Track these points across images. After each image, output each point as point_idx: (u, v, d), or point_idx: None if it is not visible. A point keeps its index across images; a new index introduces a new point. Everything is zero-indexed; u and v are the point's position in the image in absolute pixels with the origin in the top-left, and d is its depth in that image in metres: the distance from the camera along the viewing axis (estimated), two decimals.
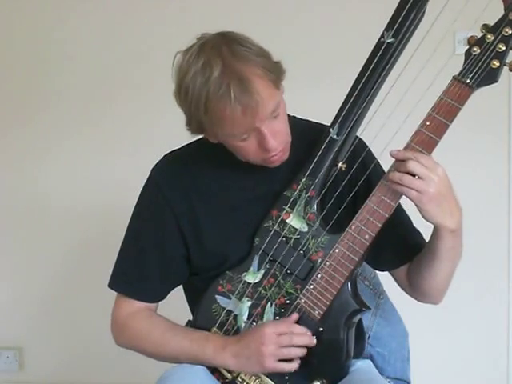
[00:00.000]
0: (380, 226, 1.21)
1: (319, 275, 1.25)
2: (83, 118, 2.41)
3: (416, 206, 1.16)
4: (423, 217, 1.18)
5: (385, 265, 1.38)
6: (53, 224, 2.44)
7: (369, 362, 1.43)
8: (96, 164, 2.41)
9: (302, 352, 1.25)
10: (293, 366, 1.24)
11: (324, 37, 2.23)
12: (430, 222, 1.18)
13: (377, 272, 1.50)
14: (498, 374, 2.32)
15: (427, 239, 1.28)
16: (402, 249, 1.34)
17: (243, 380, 1.28)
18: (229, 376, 1.29)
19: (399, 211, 1.33)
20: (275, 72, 1.19)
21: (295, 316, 1.26)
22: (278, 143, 1.22)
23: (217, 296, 1.32)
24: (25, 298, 2.48)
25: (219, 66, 1.14)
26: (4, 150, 2.46)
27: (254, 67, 1.16)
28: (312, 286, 1.26)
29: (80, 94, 2.40)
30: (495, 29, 1.16)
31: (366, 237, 1.22)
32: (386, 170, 1.23)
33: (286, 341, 1.23)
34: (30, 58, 2.41)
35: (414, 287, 1.34)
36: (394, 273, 1.37)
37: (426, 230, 1.28)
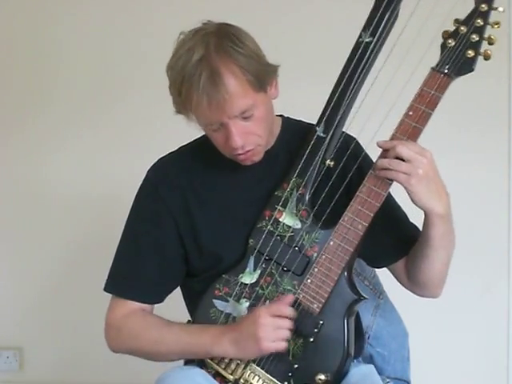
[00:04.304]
0: (372, 215, 1.23)
1: (316, 269, 1.26)
2: (84, 118, 2.40)
3: (405, 188, 1.19)
4: (413, 201, 1.20)
5: (383, 260, 1.39)
6: (53, 223, 2.43)
7: (371, 366, 1.41)
8: (97, 163, 2.40)
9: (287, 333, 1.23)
10: (285, 345, 1.23)
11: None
12: (420, 206, 1.21)
13: (377, 272, 1.51)
14: (498, 374, 2.31)
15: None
16: (398, 243, 1.36)
17: (246, 381, 1.27)
18: (231, 378, 1.28)
19: (393, 206, 1.36)
20: (258, 74, 1.21)
21: (291, 297, 1.26)
22: (245, 143, 1.24)
23: (214, 300, 1.32)
24: (25, 297, 2.46)
25: (199, 54, 1.19)
26: (5, 149, 2.45)
27: (232, 64, 1.19)
28: (309, 280, 1.27)
29: (80, 94, 2.40)
30: (467, 21, 1.21)
31: (359, 227, 1.24)
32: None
33: (279, 322, 1.22)
34: (33, 55, 2.41)
35: (412, 280, 1.36)
36: (393, 268, 1.38)
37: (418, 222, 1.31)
